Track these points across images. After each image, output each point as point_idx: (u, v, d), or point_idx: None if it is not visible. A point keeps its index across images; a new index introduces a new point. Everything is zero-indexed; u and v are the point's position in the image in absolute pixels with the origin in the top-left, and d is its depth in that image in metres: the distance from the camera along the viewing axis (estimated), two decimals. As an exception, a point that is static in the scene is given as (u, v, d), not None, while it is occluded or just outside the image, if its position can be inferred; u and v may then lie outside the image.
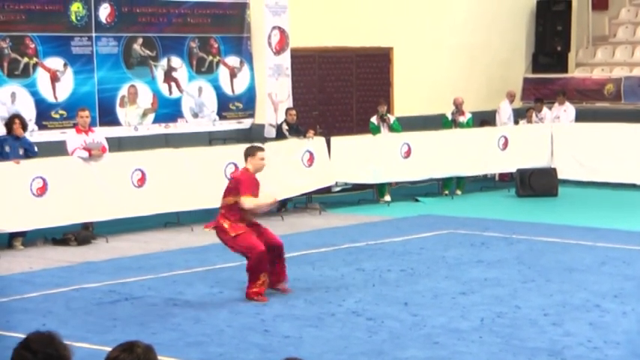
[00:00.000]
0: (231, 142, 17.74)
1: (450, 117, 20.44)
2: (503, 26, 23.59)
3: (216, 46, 18.72)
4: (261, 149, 11.55)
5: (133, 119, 17.60)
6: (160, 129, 17.96)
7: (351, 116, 21.22)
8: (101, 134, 15.88)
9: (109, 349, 3.92)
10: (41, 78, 16.47)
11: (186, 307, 10.77)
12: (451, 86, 21.73)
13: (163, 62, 18.01)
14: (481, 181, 21.29)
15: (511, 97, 22.31)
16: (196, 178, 15.98)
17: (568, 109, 21.81)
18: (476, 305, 10.68)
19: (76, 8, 16.78)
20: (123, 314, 10.48)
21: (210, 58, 18.67)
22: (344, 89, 21.08)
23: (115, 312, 10.57)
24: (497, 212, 17.75)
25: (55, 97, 16.62)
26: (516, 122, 22.04)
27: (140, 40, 17.66)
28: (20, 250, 14.39)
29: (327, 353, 8.93)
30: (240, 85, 19.10)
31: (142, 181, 15.57)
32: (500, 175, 21.59)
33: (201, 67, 18.54)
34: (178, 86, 18.23)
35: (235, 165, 15.43)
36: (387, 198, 19.07)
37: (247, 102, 19.17)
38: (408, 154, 18.91)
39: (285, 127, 18.06)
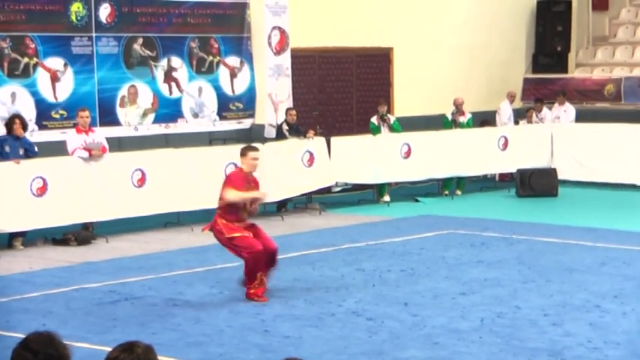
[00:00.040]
0: (232, 142, 17.73)
1: (450, 117, 20.44)
2: (504, 26, 23.59)
3: (216, 46, 18.72)
4: (254, 149, 11.57)
5: (133, 119, 17.60)
6: (160, 129, 17.97)
7: (351, 116, 21.22)
8: (101, 134, 15.88)
9: (109, 349, 3.92)
10: (41, 78, 16.47)
11: (186, 307, 10.77)
12: (451, 86, 21.73)
13: (163, 62, 18.01)
14: (481, 182, 21.29)
15: (511, 97, 22.31)
16: (196, 179, 15.98)
17: (568, 110, 21.81)
18: (476, 305, 10.68)
19: (76, 8, 16.78)
20: (123, 314, 10.48)
21: (211, 58, 18.68)
22: (344, 89, 21.08)
23: (115, 312, 10.57)
24: (497, 212, 17.75)
25: (55, 97, 16.62)
26: (516, 122, 22.04)
27: (140, 40, 17.67)
28: (20, 250, 14.39)
29: (327, 353, 8.93)
30: (241, 86, 19.10)
31: (142, 181, 15.57)
32: (501, 175, 21.59)
33: (202, 67, 18.54)
34: (178, 86, 18.23)
35: (235, 165, 15.40)
36: (387, 198, 19.06)
37: (247, 102, 19.17)
38: (408, 154, 18.91)
39: (285, 127, 18.06)
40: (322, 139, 17.89)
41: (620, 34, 24.86)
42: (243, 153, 11.47)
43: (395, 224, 16.53)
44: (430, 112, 21.30)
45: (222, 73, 18.84)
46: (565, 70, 24.18)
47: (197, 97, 18.49)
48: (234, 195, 11.09)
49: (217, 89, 18.74)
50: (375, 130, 19.06)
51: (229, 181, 11.27)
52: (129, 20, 17.46)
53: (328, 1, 20.40)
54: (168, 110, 18.06)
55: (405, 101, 21.67)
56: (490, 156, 20.03)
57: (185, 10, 18.21)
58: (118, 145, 16.64)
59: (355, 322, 10.05)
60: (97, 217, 15.18)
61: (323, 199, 18.54)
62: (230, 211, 11.14)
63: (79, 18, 16.83)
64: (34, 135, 15.93)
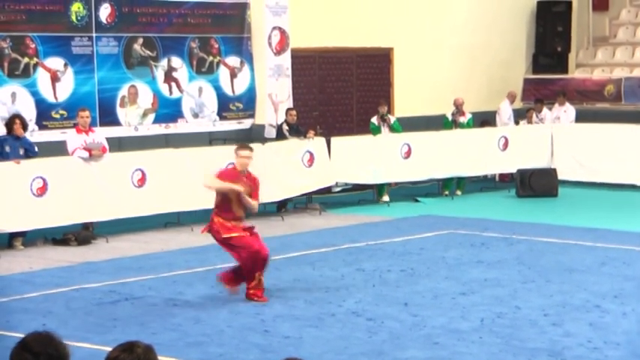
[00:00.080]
0: (232, 142, 17.67)
1: (450, 117, 20.43)
2: (504, 27, 23.59)
3: (216, 46, 18.72)
4: (244, 148, 11.58)
5: (134, 119, 17.61)
6: (160, 129, 17.97)
7: (351, 117, 21.22)
8: (101, 134, 15.88)
9: (109, 349, 3.91)
10: (41, 78, 16.47)
11: (186, 307, 10.77)
12: (451, 87, 21.73)
13: (164, 62, 18.01)
14: (481, 182, 21.29)
15: (512, 97, 22.31)
16: (196, 179, 15.88)
17: (568, 110, 21.81)
18: (476, 306, 10.68)
19: (76, 8, 16.78)
20: (123, 314, 10.48)
21: (211, 58, 18.68)
22: (344, 90, 21.08)
23: (115, 312, 10.58)
24: (497, 213, 17.75)
25: (56, 97, 16.62)
26: (517, 123, 22.04)
27: (140, 41, 17.67)
28: (20, 250, 14.39)
29: (327, 353, 8.93)
30: (241, 86, 19.10)
31: (142, 181, 15.58)
32: (501, 175, 21.59)
33: (202, 68, 18.54)
34: (179, 86, 18.24)
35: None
36: (386, 198, 19.06)
37: (247, 102, 19.17)
38: (408, 154, 18.91)
39: (285, 127, 18.06)
40: (322, 140, 17.89)
41: (621, 34, 24.86)
42: (235, 151, 11.59)
43: (395, 224, 16.53)
44: (430, 112, 21.30)
45: (223, 74, 18.85)
46: (565, 70, 24.18)
47: (197, 98, 18.50)
48: (209, 180, 11.26)
49: (217, 89, 18.74)
50: (376, 131, 19.06)
51: (218, 173, 11.42)
52: (129, 20, 17.46)
53: (328, 1, 20.40)
54: (168, 110, 18.06)
55: (406, 101, 21.67)
56: (490, 156, 20.03)
57: (185, 11, 18.22)
58: (118, 145, 16.64)
59: (355, 322, 10.05)
60: (97, 217, 15.18)
61: (323, 199, 18.53)
62: (224, 208, 11.16)
63: (79, 18, 16.83)
64: (34, 135, 15.93)
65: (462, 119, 20.41)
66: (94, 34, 17.01)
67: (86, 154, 15.09)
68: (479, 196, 20.02)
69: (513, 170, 20.00)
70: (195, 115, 18.46)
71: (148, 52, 17.79)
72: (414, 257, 13.53)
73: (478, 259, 13.35)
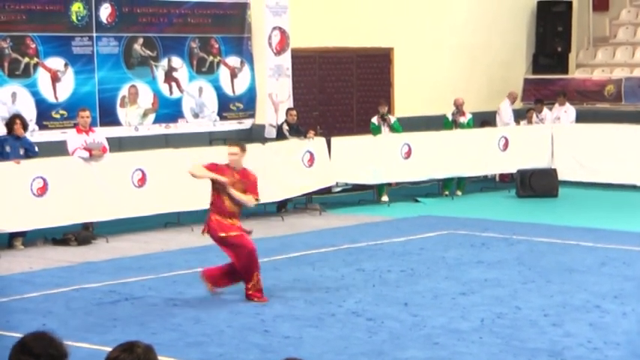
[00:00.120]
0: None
1: (450, 117, 20.43)
2: (504, 27, 23.59)
3: (216, 46, 18.72)
4: (232, 144, 11.61)
5: (134, 119, 17.61)
6: (161, 129, 17.97)
7: (351, 117, 21.22)
8: (102, 134, 15.88)
9: (109, 349, 3.92)
10: (42, 78, 16.48)
11: (186, 307, 10.77)
12: (452, 87, 21.73)
13: (164, 62, 18.01)
14: (481, 182, 21.29)
15: (512, 97, 22.30)
16: (196, 179, 15.93)
17: (568, 110, 21.81)
18: (476, 306, 10.68)
19: (76, 8, 16.78)
20: (123, 314, 10.48)
21: (211, 58, 18.68)
22: (344, 90, 21.08)
23: (115, 312, 10.58)
24: (497, 213, 17.75)
25: (56, 97, 16.63)
26: (517, 123, 22.04)
27: (141, 40, 17.67)
28: (20, 250, 14.39)
29: (327, 353, 8.93)
30: (241, 86, 19.10)
31: (143, 181, 15.58)
32: (501, 175, 21.59)
33: (202, 68, 18.54)
34: (179, 86, 18.24)
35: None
36: (385, 198, 19.06)
37: (248, 102, 19.17)
38: (408, 154, 18.91)
39: (285, 127, 18.06)
40: (322, 140, 17.89)
41: (621, 34, 24.86)
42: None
43: (395, 224, 16.53)
44: (430, 112, 21.30)
45: (223, 74, 18.85)
46: (565, 70, 24.18)
47: (197, 98, 18.50)
48: (195, 168, 11.37)
49: (218, 89, 18.74)
50: (376, 131, 19.06)
51: (208, 165, 11.38)
52: (129, 20, 17.47)
53: (328, 1, 20.41)
54: (168, 110, 18.06)
55: (406, 101, 21.67)
56: (490, 156, 20.03)
57: (185, 11, 18.22)
58: (119, 145, 16.64)
59: (355, 322, 10.05)
60: (97, 217, 15.18)
61: (323, 200, 18.54)
62: (217, 203, 11.17)
63: (79, 18, 16.83)
64: (35, 135, 15.93)
65: (462, 119, 20.41)
66: (94, 34, 17.01)
67: (86, 154, 15.09)
68: (479, 197, 20.02)
69: (513, 170, 20.00)
70: (196, 115, 18.46)
71: (149, 52, 17.79)
72: (414, 257, 13.53)
73: (478, 259, 13.35)
